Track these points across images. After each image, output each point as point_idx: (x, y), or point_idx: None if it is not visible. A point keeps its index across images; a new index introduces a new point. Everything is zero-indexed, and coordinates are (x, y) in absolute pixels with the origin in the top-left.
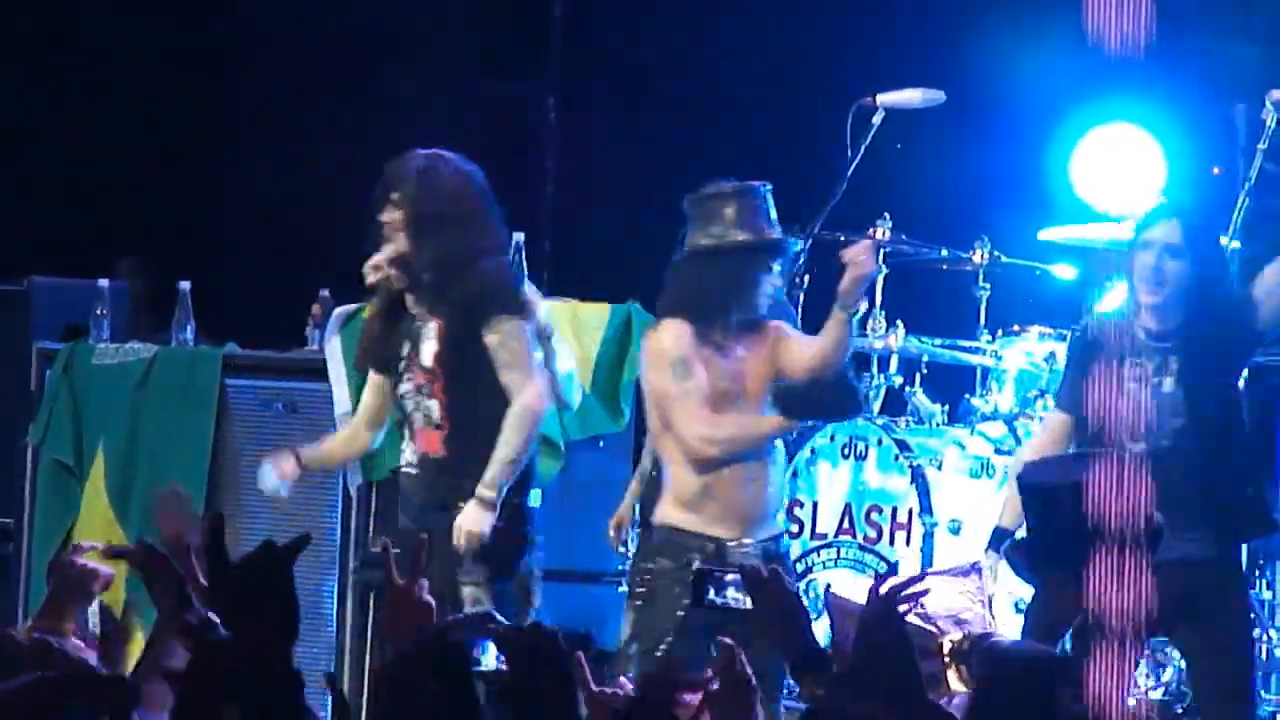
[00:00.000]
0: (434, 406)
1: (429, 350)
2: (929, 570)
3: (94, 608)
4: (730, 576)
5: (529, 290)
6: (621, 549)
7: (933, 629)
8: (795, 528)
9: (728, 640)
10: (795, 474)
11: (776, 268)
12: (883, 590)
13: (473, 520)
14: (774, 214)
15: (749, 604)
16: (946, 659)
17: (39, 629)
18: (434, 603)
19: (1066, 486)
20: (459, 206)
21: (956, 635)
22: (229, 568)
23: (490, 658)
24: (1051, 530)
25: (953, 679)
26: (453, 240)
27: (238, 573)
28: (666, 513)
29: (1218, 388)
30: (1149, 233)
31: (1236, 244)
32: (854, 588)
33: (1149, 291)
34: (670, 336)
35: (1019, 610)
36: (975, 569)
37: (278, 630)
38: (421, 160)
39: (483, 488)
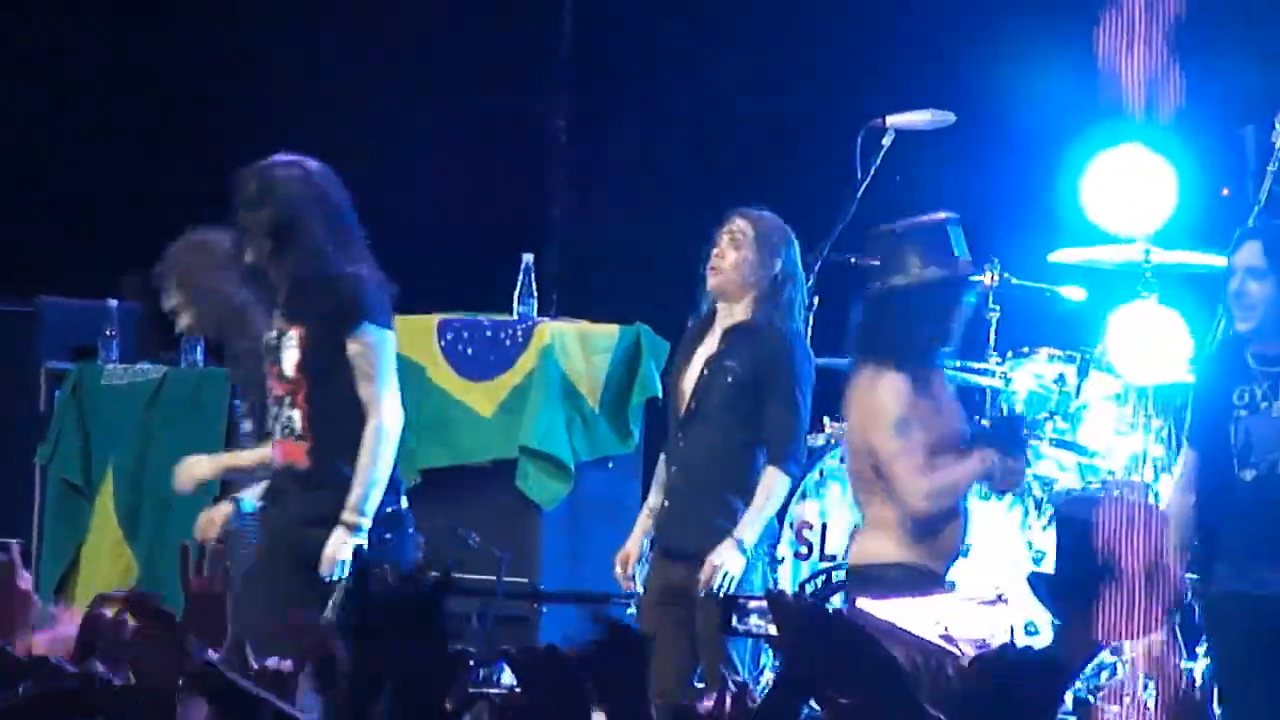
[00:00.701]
0: (295, 416)
1: (290, 360)
2: (959, 595)
3: None
4: (754, 604)
5: None
6: (630, 584)
7: (955, 650)
8: (804, 549)
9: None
10: (804, 495)
11: (971, 299)
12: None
13: (336, 547)
14: (964, 245)
15: (773, 630)
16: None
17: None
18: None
19: (1092, 525)
20: (312, 213)
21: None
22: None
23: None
24: (1081, 565)
25: None
26: (309, 247)
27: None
28: (881, 550)
29: None
30: (1234, 258)
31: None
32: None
33: (1240, 318)
34: (890, 393)
35: (1030, 633)
36: (1001, 599)
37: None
38: (276, 168)
39: (347, 512)
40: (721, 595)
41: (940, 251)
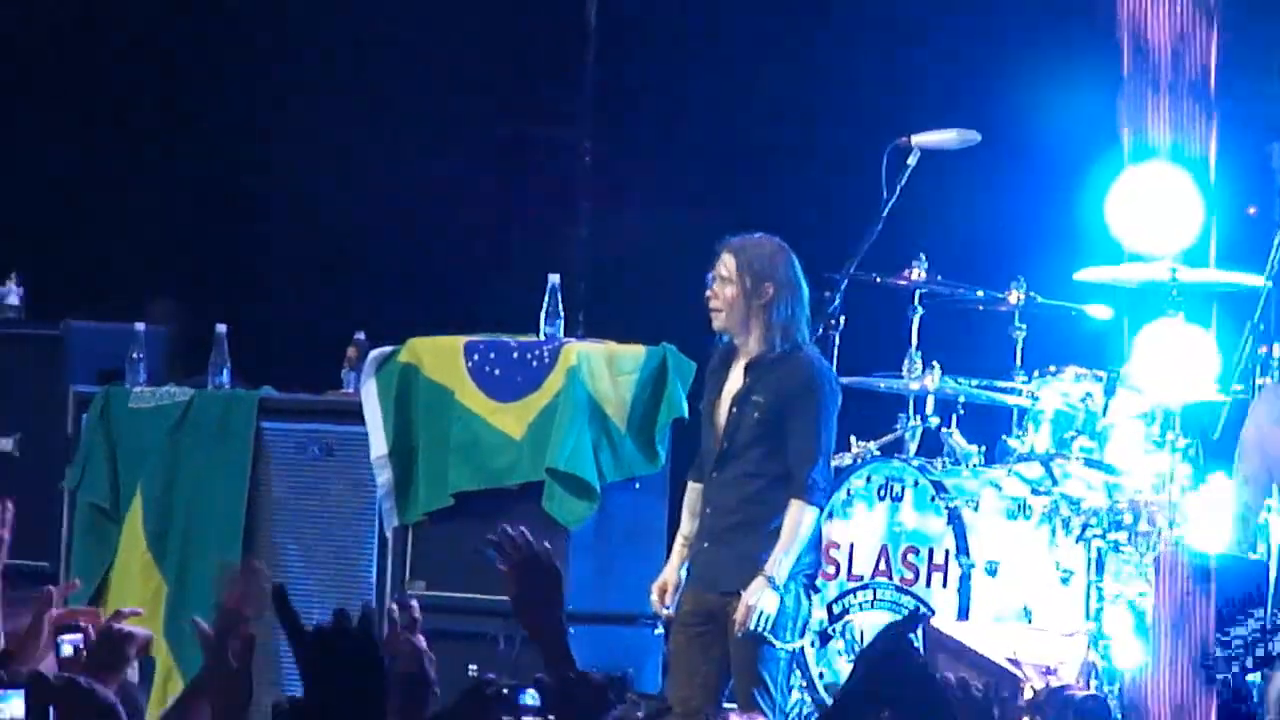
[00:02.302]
0: None
1: None
2: (1036, 625)
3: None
4: None
5: None
6: (666, 611)
7: (1019, 673)
8: (832, 569)
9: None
10: (831, 515)
11: None
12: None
13: None
14: None
15: None
16: (1025, 704)
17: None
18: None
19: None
20: None
21: (1039, 684)
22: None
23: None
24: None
25: None
26: None
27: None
28: None
29: None
30: None
31: (1273, 284)
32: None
33: None
34: None
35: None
36: (1080, 633)
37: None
38: None
39: None
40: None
41: None
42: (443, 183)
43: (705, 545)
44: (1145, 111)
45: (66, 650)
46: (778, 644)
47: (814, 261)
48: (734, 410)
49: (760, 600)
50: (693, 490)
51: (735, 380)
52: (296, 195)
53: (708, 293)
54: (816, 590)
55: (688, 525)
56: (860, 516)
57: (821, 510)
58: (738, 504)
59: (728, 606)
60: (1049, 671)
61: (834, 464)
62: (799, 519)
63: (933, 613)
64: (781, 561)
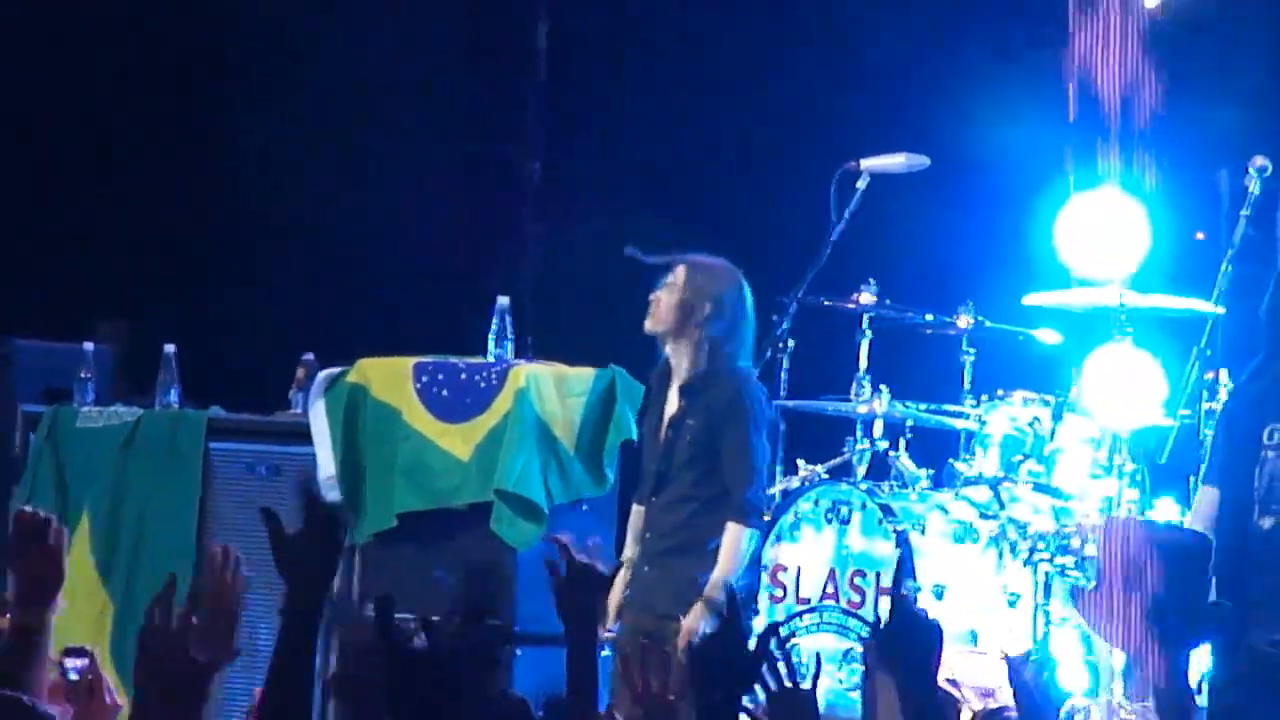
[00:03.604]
0: None
1: None
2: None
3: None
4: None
5: None
6: (609, 633)
7: (958, 694)
8: (779, 592)
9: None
10: (779, 538)
11: None
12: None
13: None
14: None
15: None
16: None
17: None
18: None
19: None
20: None
21: (978, 705)
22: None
23: None
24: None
25: None
26: None
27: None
28: None
29: None
30: None
31: (1221, 310)
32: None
33: None
34: None
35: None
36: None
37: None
38: None
39: None
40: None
41: None
42: (392, 203)
43: (645, 569)
44: (1092, 141)
45: (73, 675)
46: None
47: (763, 285)
48: (669, 433)
49: (699, 625)
50: (636, 513)
51: (672, 403)
52: (245, 215)
53: (651, 295)
54: (756, 611)
55: (630, 549)
56: (808, 539)
57: (758, 531)
58: (674, 528)
59: (665, 629)
60: (987, 694)
61: (782, 487)
62: (734, 544)
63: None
64: (719, 585)
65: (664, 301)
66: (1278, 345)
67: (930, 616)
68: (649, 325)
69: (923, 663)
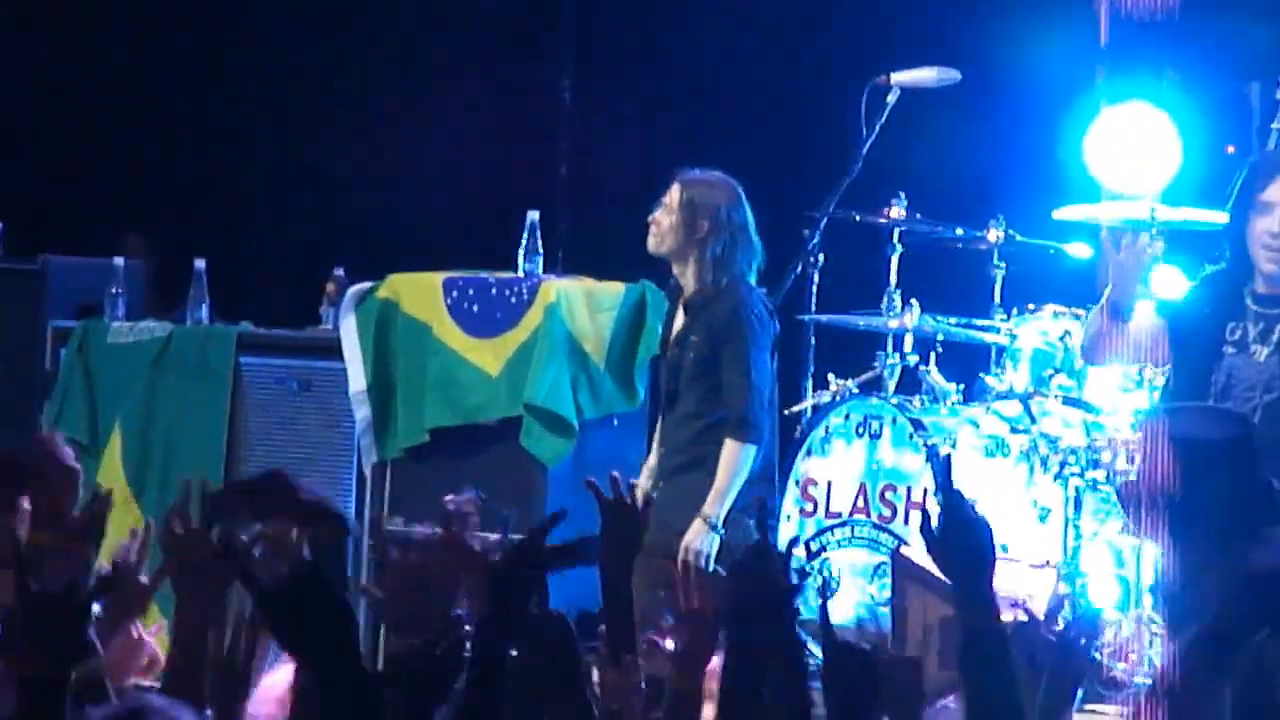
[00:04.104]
0: None
1: None
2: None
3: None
4: None
5: None
6: None
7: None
8: (809, 506)
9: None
10: (809, 452)
11: None
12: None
13: None
14: None
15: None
16: None
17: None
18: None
19: (1227, 442)
20: None
21: (1008, 617)
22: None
23: None
24: (1213, 493)
25: None
26: None
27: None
28: None
29: None
30: (1267, 193)
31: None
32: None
33: (1269, 258)
34: None
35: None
36: (1049, 564)
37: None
38: None
39: None
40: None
41: None
42: (422, 119)
43: (660, 485)
44: (1122, 55)
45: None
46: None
47: (793, 199)
48: (676, 350)
49: (698, 541)
50: (659, 427)
51: (679, 321)
52: (275, 132)
53: (650, 217)
54: (774, 525)
55: (653, 457)
56: (839, 454)
57: (755, 445)
58: (684, 444)
59: (669, 544)
60: (1017, 604)
61: (812, 401)
62: (731, 459)
63: (904, 544)
64: (717, 500)
65: (662, 222)
66: (1240, 258)
67: (980, 514)
68: (651, 246)
69: (979, 564)
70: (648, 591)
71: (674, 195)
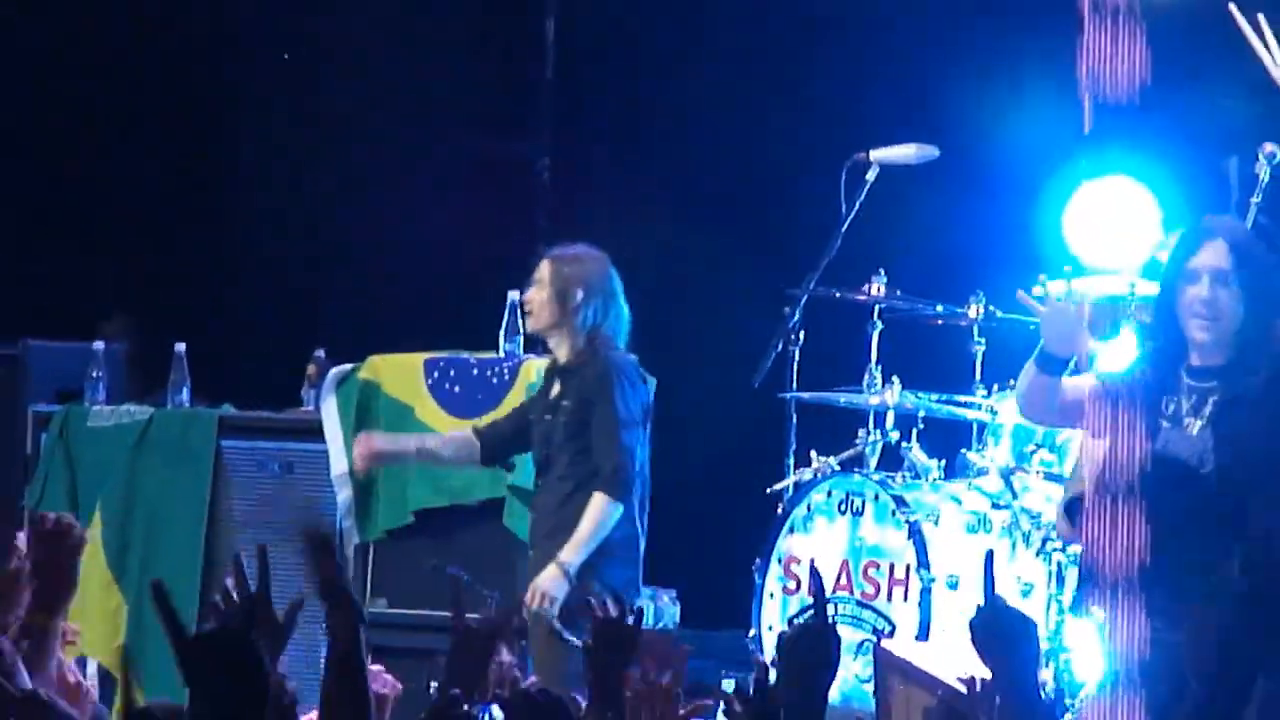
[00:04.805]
0: None
1: None
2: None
3: (92, 669)
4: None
5: None
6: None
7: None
8: (792, 583)
9: None
10: (792, 529)
11: None
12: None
13: None
14: None
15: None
16: None
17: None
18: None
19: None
20: None
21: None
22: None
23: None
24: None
25: None
26: None
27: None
28: None
29: (1263, 437)
30: (1195, 260)
31: None
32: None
33: (1202, 327)
34: None
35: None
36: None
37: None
38: None
39: None
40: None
41: None
42: (401, 200)
43: (531, 552)
44: (1102, 130)
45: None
46: (569, 636)
47: (773, 277)
48: (547, 417)
49: (548, 584)
50: (463, 433)
51: (554, 389)
52: (255, 212)
53: (524, 297)
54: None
55: (432, 440)
56: (821, 531)
57: (621, 504)
58: (554, 508)
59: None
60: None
61: (795, 479)
62: (595, 510)
63: (893, 629)
64: (574, 547)
65: (535, 299)
66: (1171, 329)
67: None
68: (530, 326)
69: (1025, 656)
70: (551, 676)
71: (545, 271)
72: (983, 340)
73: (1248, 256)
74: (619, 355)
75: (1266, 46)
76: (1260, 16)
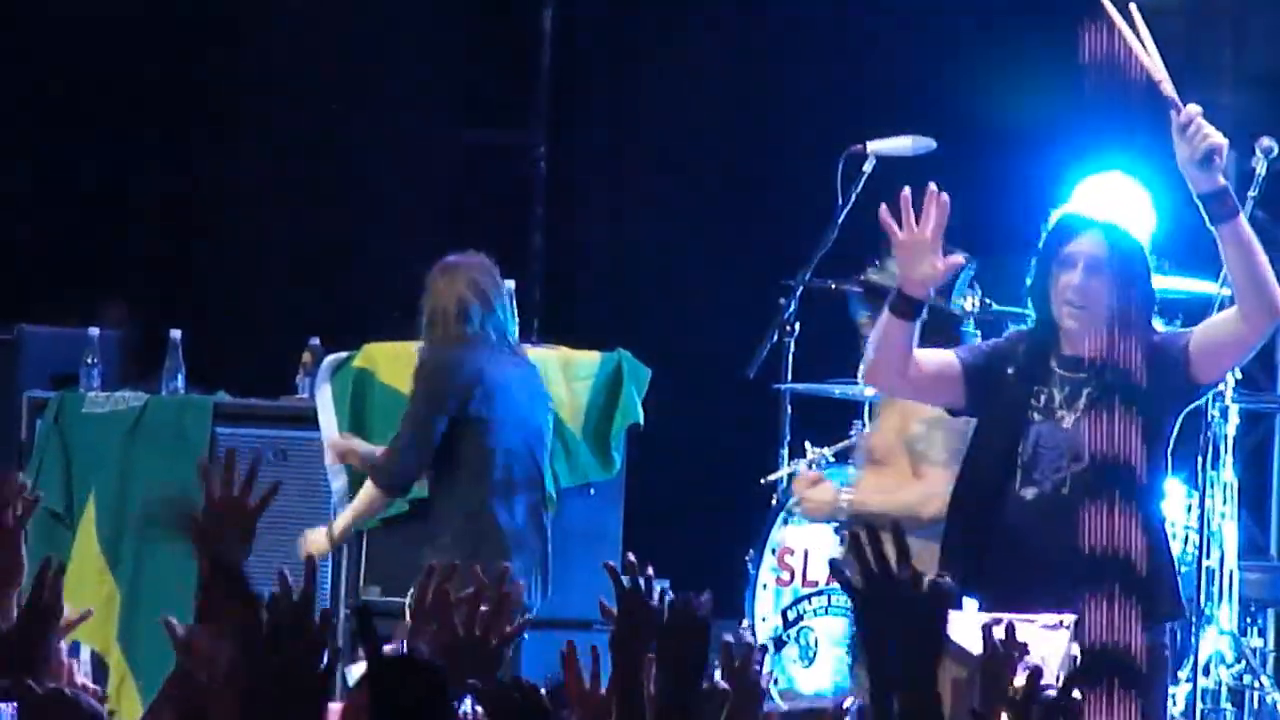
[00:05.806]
0: None
1: None
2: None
3: (85, 656)
4: None
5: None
6: None
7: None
8: (786, 574)
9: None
10: (786, 520)
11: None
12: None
13: None
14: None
15: None
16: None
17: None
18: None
19: None
20: None
21: (1020, 680)
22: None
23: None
24: None
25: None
26: None
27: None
28: None
29: (1136, 431)
30: (1071, 246)
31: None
32: None
33: (1073, 315)
34: None
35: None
36: (1063, 625)
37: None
38: None
39: None
40: None
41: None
42: (397, 188)
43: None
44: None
45: None
46: None
47: (769, 269)
48: None
49: (310, 537)
50: None
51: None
52: (251, 200)
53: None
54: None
55: None
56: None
57: (385, 493)
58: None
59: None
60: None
61: (789, 470)
62: (363, 494)
63: None
64: (340, 517)
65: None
66: (1043, 313)
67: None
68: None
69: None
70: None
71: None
72: (977, 332)
73: (1122, 246)
74: (440, 350)
75: (1139, 37)
76: (1132, 7)
